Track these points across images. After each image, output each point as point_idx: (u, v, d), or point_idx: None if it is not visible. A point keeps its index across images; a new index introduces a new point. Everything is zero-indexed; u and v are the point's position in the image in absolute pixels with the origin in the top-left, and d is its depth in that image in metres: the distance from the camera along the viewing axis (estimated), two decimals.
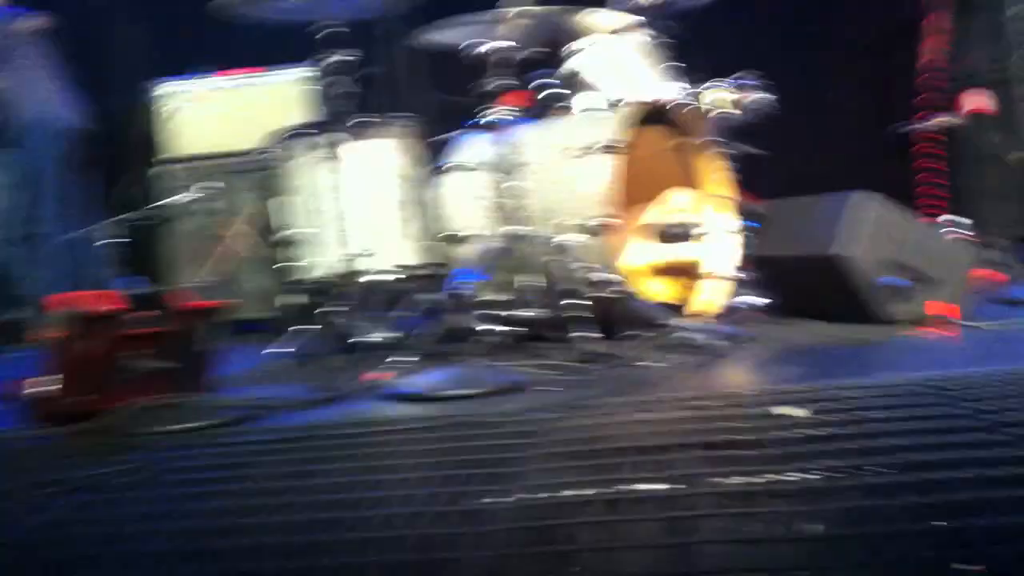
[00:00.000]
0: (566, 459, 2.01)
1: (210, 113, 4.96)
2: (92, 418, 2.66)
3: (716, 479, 1.80)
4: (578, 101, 3.95)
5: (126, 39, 4.15)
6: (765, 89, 4.68)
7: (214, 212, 4.82)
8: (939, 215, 5.14)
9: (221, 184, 4.79)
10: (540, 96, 3.99)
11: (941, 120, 5.27)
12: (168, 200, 4.81)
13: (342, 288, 3.53)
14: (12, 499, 2.06)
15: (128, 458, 2.29)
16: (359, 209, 3.53)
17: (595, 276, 3.28)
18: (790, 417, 2.19)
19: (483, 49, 3.48)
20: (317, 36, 3.48)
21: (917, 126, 5.39)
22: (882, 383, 2.42)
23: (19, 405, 2.74)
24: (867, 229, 3.48)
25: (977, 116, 5.07)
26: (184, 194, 4.78)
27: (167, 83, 5.02)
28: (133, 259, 5.09)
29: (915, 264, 3.50)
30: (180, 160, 4.98)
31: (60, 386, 2.72)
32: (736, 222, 3.87)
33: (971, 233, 4.86)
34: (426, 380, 2.85)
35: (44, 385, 2.74)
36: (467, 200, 3.67)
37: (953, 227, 4.85)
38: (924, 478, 1.71)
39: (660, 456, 1.97)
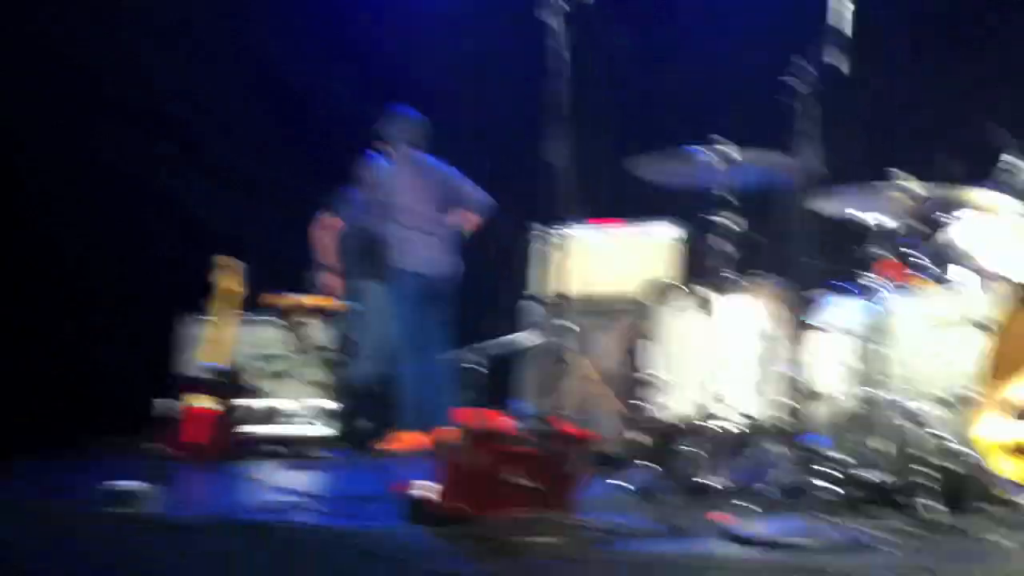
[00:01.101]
0: None
1: (582, 258, 5.38)
2: (465, 523, 2.99)
3: None
4: (952, 274, 4.02)
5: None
6: None
7: (570, 350, 5.19)
8: None
9: (574, 325, 5.15)
10: (915, 267, 4.12)
11: None
12: (521, 334, 5.24)
13: (690, 432, 3.75)
14: None
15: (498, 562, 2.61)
16: (718, 359, 3.77)
17: (949, 446, 3.31)
18: None
19: (869, 220, 3.69)
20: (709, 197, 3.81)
21: None
22: None
23: (403, 503, 3.14)
24: None
25: None
26: (537, 330, 5.20)
27: (548, 226, 5.50)
28: (494, 385, 5.60)
29: None
30: (548, 298, 5.42)
31: (442, 490, 3.10)
32: None
33: None
34: (767, 527, 2.99)
35: (428, 489, 3.13)
36: (829, 361, 3.82)
37: None
38: None
39: None
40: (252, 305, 5.97)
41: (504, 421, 3.18)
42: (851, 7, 3.12)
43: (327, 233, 6.37)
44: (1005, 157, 4.31)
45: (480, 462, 3.07)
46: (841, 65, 3.09)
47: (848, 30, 3.11)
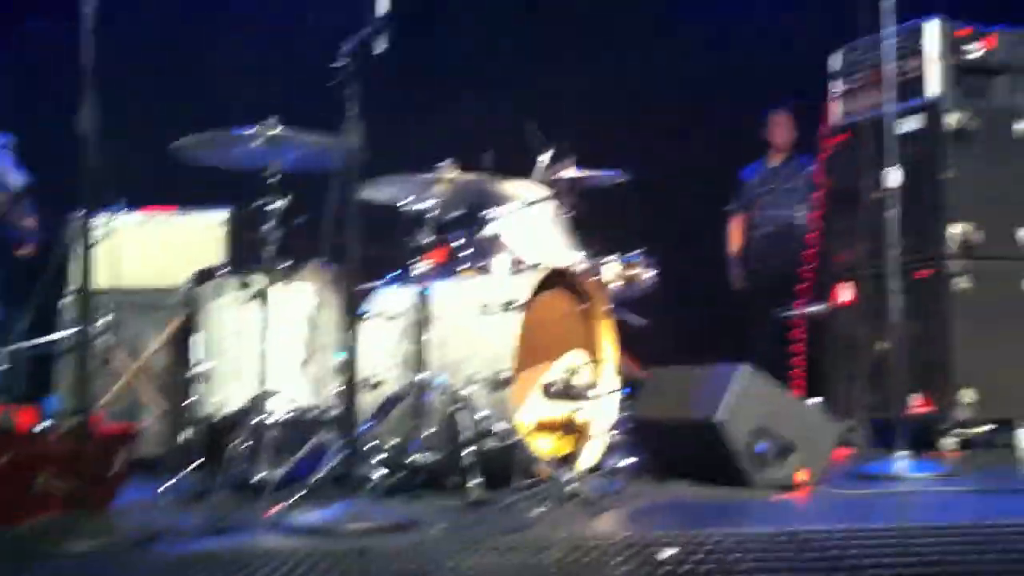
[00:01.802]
0: None
1: (127, 247, 5.06)
2: None
3: None
4: (495, 262, 4.22)
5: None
6: (650, 266, 5.05)
7: (117, 345, 4.87)
8: (807, 394, 5.50)
9: (115, 318, 4.84)
10: (460, 255, 4.27)
11: (815, 308, 5.69)
12: (65, 332, 4.86)
13: (245, 426, 3.63)
14: None
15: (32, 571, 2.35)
16: (269, 349, 3.67)
17: (490, 427, 3.46)
18: (658, 559, 2.38)
19: (415, 207, 3.75)
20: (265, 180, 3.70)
21: (794, 312, 5.80)
22: (743, 532, 2.62)
23: None
24: (748, 400, 3.74)
25: (845, 307, 5.49)
26: (80, 326, 4.84)
27: (89, 214, 5.13)
28: (32, 385, 5.13)
29: (786, 433, 3.76)
30: (92, 291, 5.05)
31: None
32: (621, 385, 4.11)
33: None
34: (318, 516, 2.96)
35: None
36: (381, 348, 3.85)
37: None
38: None
39: None
40: None
41: (32, 420, 2.89)
42: None
43: None
44: (541, 154, 4.63)
45: (5, 464, 2.77)
46: (381, 48, 3.12)
47: (388, 14, 3.15)
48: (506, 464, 3.46)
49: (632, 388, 4.32)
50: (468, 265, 4.15)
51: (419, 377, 3.52)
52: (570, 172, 4.76)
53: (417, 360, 3.55)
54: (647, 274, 4.94)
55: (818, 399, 5.34)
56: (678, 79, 6.86)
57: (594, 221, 5.31)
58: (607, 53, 7.00)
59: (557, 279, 4.06)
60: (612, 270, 4.80)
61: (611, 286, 4.76)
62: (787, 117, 6.57)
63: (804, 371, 5.79)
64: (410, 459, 3.42)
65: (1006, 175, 5.28)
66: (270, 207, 3.72)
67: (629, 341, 4.93)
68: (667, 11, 7.03)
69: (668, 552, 2.43)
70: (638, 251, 5.20)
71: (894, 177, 4.31)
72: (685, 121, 6.72)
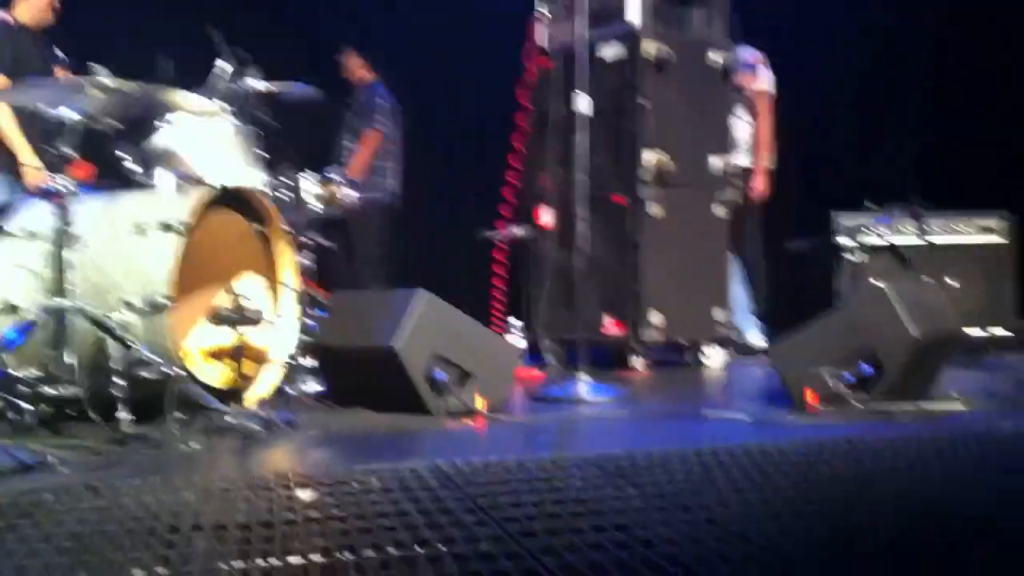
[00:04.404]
0: (66, 542, 1.92)
1: None
2: None
3: (220, 563, 1.82)
4: (160, 178, 3.88)
5: None
6: (351, 185, 4.86)
7: None
8: (505, 315, 5.52)
9: None
10: (123, 168, 3.90)
11: (517, 231, 5.69)
12: None
13: None
14: None
15: None
16: None
17: (141, 356, 3.17)
18: (302, 501, 2.23)
19: (58, 115, 3.35)
20: None
21: (497, 234, 5.77)
22: (394, 468, 2.51)
23: None
24: (423, 325, 3.63)
25: (545, 230, 5.51)
26: None
27: None
28: None
29: (465, 360, 3.68)
30: None
31: None
32: (300, 310, 3.92)
33: (523, 333, 5.27)
34: None
35: None
36: (15, 270, 3.47)
37: (512, 327, 5.23)
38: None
39: (171, 537, 1.97)
40: None
41: None
42: None
43: None
44: (219, 62, 4.29)
45: None
46: None
47: None
48: (157, 395, 3.18)
49: (315, 313, 4.15)
50: (123, 180, 3.80)
51: (60, 301, 3.17)
52: (257, 84, 4.46)
53: (57, 283, 3.20)
54: (347, 193, 4.74)
55: (518, 321, 5.37)
56: None
57: (294, 138, 5.06)
58: None
59: (231, 199, 3.78)
60: (310, 188, 4.56)
61: (309, 205, 4.54)
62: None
63: (506, 293, 5.80)
64: (48, 390, 3.08)
65: (699, 105, 5.40)
66: None
67: (322, 264, 4.76)
68: None
69: (304, 494, 2.28)
70: (337, 167, 4.99)
71: (584, 103, 4.28)
72: None
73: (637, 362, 5.22)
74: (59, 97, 3.37)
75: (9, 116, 4.75)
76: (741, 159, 5.95)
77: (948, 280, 5.66)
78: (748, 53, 6.05)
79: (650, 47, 5.22)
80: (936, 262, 5.78)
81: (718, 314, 5.42)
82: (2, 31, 4.87)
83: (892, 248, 5.84)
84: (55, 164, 3.28)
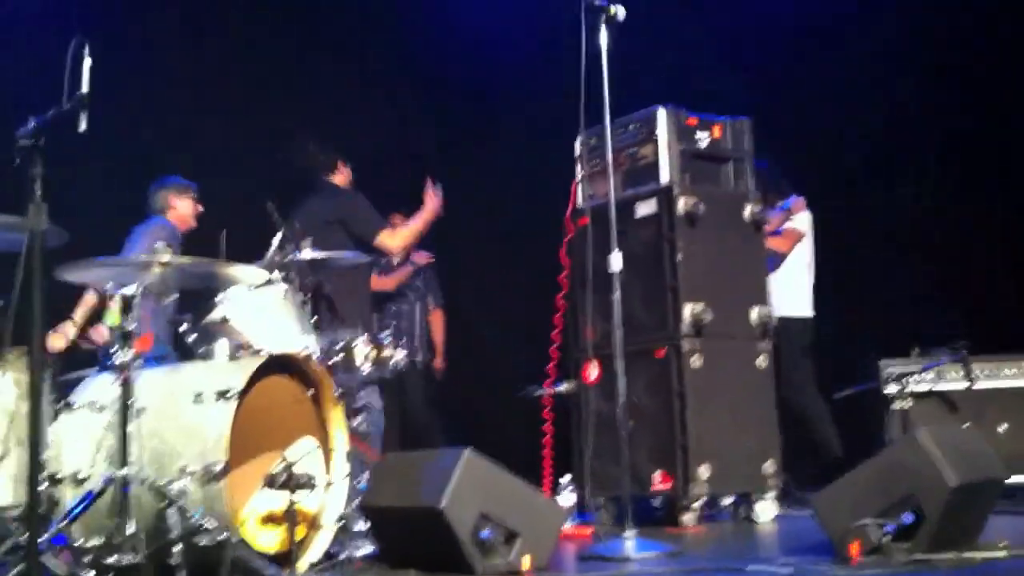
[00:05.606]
0: None
1: None
2: None
3: None
4: (218, 348, 4.06)
5: None
6: (403, 347, 5.02)
7: None
8: (555, 472, 5.56)
9: None
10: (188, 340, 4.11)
11: (564, 386, 5.77)
12: None
13: None
14: None
15: None
16: None
17: (200, 523, 3.29)
18: None
19: (120, 292, 3.57)
20: None
21: (545, 391, 5.86)
22: None
23: None
24: (469, 484, 3.70)
25: (591, 385, 5.59)
26: None
27: None
28: None
29: (511, 519, 3.74)
30: None
31: None
32: (351, 473, 4.02)
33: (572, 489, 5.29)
34: None
35: None
36: (84, 441, 3.63)
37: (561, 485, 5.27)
38: None
39: None
40: None
41: None
42: (89, 62, 3.03)
43: None
44: (276, 237, 4.54)
45: None
46: (81, 124, 2.98)
47: (86, 87, 3.02)
48: (219, 562, 3.29)
49: (363, 475, 4.25)
50: (189, 352, 3.99)
51: (121, 472, 3.32)
52: (310, 253, 4.67)
53: (120, 453, 3.35)
54: (397, 354, 4.89)
55: (568, 477, 5.40)
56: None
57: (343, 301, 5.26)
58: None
59: (282, 365, 3.94)
60: (361, 351, 4.73)
61: (361, 368, 4.69)
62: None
63: (555, 449, 5.84)
64: (111, 560, 3.20)
65: (734, 256, 5.54)
66: None
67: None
68: None
69: None
70: (388, 331, 5.15)
71: (616, 261, 4.43)
72: None
73: (687, 516, 5.21)
74: (126, 275, 3.59)
75: None
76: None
77: (996, 425, 5.65)
78: (791, 200, 6.31)
79: (683, 202, 5.38)
80: (985, 406, 5.78)
81: (769, 467, 5.41)
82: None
83: (940, 394, 5.86)
84: (124, 338, 3.46)
